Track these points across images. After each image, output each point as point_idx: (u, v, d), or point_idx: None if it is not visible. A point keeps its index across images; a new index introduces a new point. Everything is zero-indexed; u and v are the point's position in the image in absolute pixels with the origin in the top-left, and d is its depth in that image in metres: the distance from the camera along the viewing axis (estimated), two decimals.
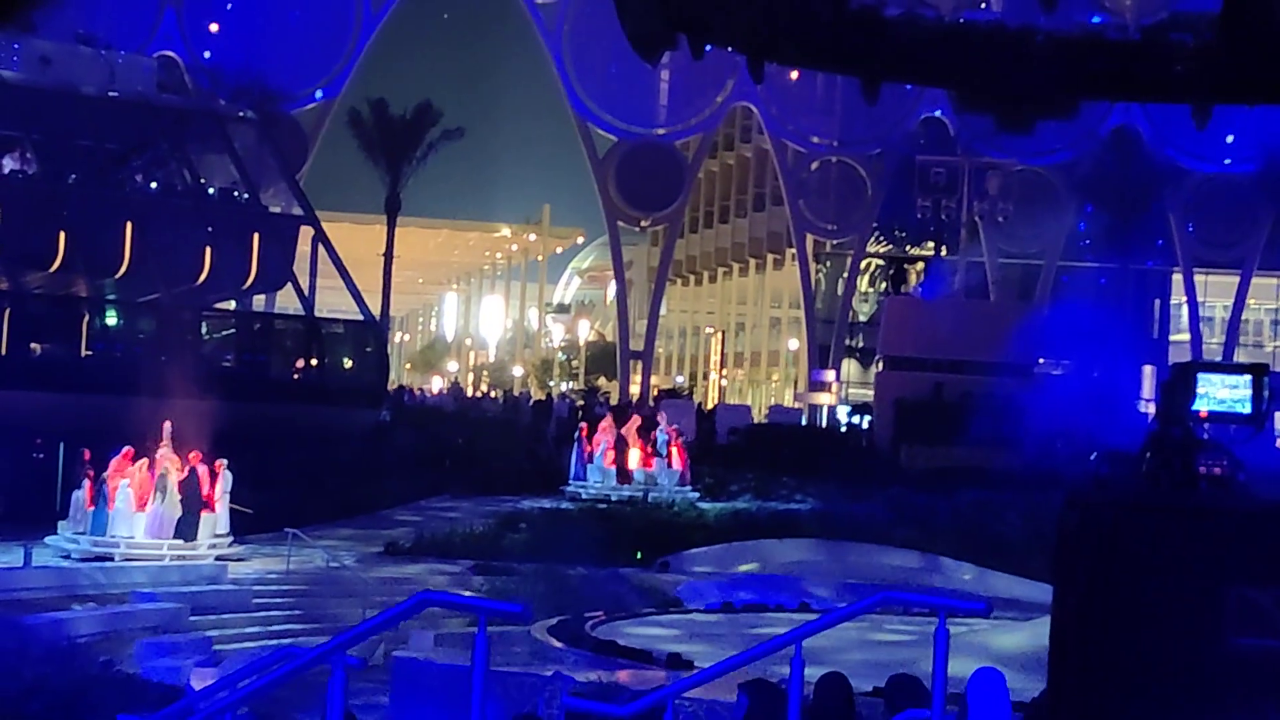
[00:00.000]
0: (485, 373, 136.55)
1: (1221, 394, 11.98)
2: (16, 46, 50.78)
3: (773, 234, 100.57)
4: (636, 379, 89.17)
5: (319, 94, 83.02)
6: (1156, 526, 11.53)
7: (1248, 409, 12.16)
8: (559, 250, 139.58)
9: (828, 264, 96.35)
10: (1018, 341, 63.97)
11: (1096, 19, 70.32)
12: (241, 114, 56.13)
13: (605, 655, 26.64)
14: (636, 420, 53.18)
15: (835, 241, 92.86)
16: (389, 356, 69.84)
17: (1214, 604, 11.39)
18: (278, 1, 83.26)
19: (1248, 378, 12.33)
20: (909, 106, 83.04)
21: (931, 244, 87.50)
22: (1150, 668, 11.45)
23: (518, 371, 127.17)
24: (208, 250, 50.73)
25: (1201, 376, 12.11)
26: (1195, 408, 11.92)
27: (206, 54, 74.10)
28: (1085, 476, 12.10)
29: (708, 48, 24.66)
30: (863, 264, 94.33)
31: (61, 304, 48.61)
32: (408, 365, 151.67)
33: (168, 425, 35.29)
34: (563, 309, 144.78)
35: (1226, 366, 12.94)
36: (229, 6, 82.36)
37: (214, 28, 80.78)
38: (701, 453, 55.88)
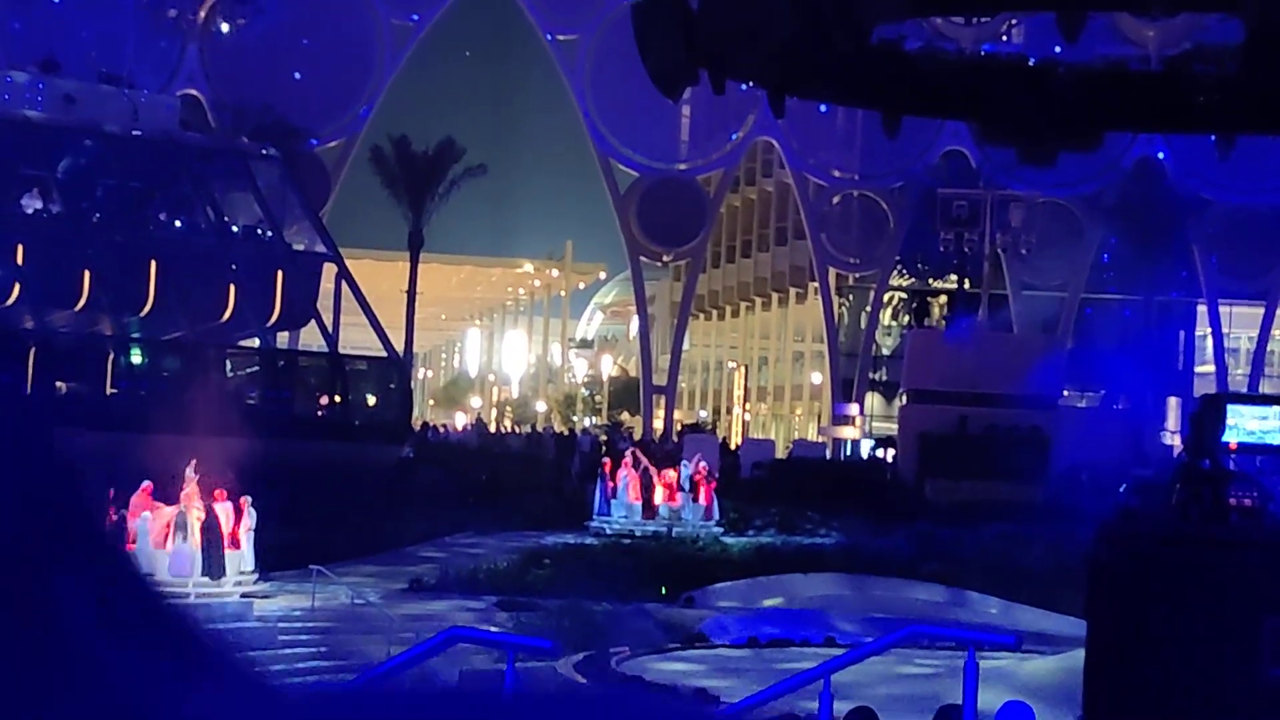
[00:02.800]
0: (509, 408, 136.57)
1: (1251, 425, 11.95)
2: (41, 86, 51.00)
3: (795, 268, 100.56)
4: (660, 414, 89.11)
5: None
6: (1191, 559, 11.49)
7: (1279, 440, 12.11)
8: (581, 286, 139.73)
9: (850, 297, 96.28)
10: (1042, 374, 63.85)
11: (1119, 51, 70.33)
12: (264, 152, 56.25)
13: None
14: (633, 456, 53.05)
15: (858, 275, 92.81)
16: (412, 393, 69.98)
17: (1250, 635, 11.34)
18: (300, 39, 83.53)
19: (1278, 409, 12.28)
20: (930, 139, 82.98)
21: (954, 277, 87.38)
22: (1186, 700, 11.39)
23: (541, 407, 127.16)
24: (232, 288, 50.82)
25: (1231, 408, 12.08)
26: (1225, 439, 11.88)
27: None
28: (1115, 508, 12.06)
29: (729, 83, 24.72)
30: (885, 297, 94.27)
31: (86, 342, 48.72)
32: (431, 401, 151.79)
33: (193, 464, 35.30)
34: (586, 344, 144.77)
35: (1256, 398, 12.96)
36: (251, 45, 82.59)
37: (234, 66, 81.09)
38: (725, 487, 55.79)
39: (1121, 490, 12.60)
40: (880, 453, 75.94)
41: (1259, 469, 12.63)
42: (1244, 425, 12.47)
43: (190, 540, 34.80)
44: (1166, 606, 11.70)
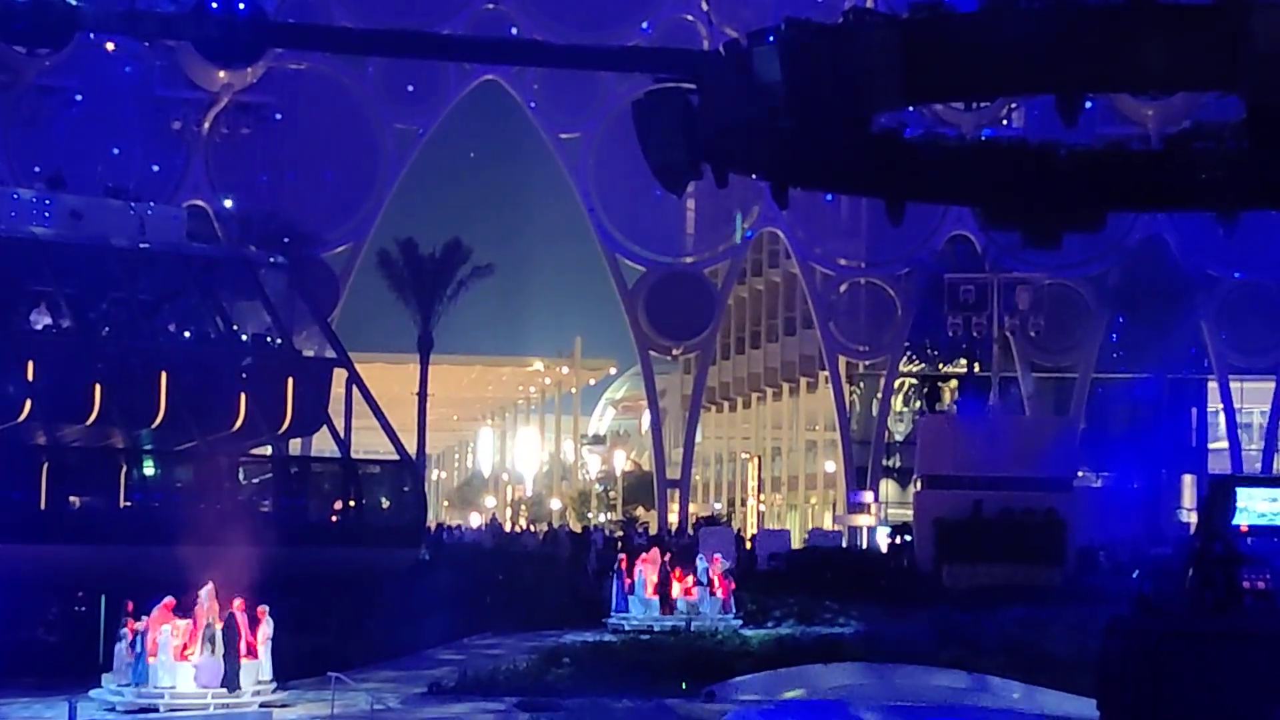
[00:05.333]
0: (523, 507, 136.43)
1: (1262, 507, 11.92)
2: (48, 202, 51.18)
3: (805, 357, 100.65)
4: (675, 507, 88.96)
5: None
6: (1200, 653, 11.41)
7: None
8: (592, 382, 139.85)
9: (861, 385, 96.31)
10: (1055, 455, 63.74)
11: (1119, 131, 70.61)
12: (272, 260, 56.38)
13: None
14: (654, 554, 52.95)
15: (868, 362, 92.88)
16: (426, 495, 69.80)
17: None
18: (304, 146, 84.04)
19: None
20: (935, 225, 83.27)
21: (964, 361, 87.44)
22: None
23: (555, 504, 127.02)
24: (242, 396, 50.77)
25: (1241, 491, 12.05)
26: (1235, 522, 11.84)
27: (229, 203, 74.36)
28: (1128, 594, 12.00)
29: (732, 175, 24.84)
30: (896, 384, 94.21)
31: (99, 456, 48.65)
32: (445, 502, 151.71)
33: (209, 586, 35.22)
34: (598, 440, 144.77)
35: (1265, 480, 12.94)
36: (256, 153, 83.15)
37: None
38: (743, 579, 55.63)
39: (1135, 576, 12.57)
40: (898, 540, 75.69)
41: (1277, 549, 12.58)
42: (1254, 508, 12.47)
43: (216, 653, 34.76)
44: (1178, 702, 11.64)
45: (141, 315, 52.01)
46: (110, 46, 76.53)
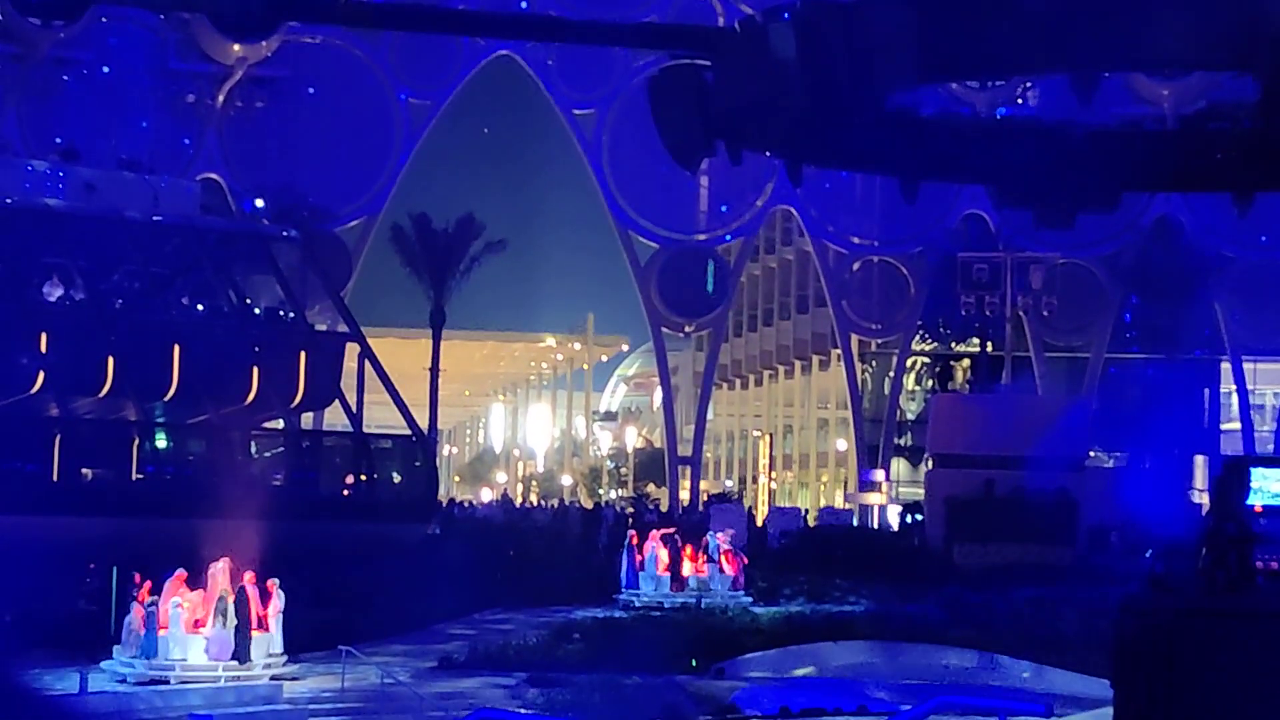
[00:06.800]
0: (534, 483, 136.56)
1: (1275, 488, 11.91)
2: (62, 174, 51.24)
3: (817, 335, 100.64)
4: (686, 484, 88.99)
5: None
6: (1215, 632, 11.38)
7: None
8: (604, 358, 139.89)
9: (873, 363, 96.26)
10: (1068, 435, 63.64)
11: (1134, 111, 70.42)
12: (285, 234, 56.42)
13: None
14: (661, 533, 52.97)
15: (880, 341, 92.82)
16: (438, 470, 69.89)
17: (1274, 706, 11.22)
18: (318, 120, 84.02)
19: None
20: (949, 203, 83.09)
21: (976, 340, 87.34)
22: None
23: (567, 481, 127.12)
24: (255, 370, 50.86)
25: (1255, 471, 12.05)
26: (1249, 502, 11.82)
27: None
28: (1141, 574, 11.99)
29: (746, 153, 24.76)
30: (909, 362, 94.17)
31: (111, 428, 48.77)
32: (457, 478, 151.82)
33: (224, 561, 35.27)
34: (610, 416, 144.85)
35: (1279, 461, 12.91)
36: (270, 127, 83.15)
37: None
38: (753, 556, 55.65)
39: (1148, 555, 12.58)
40: (909, 518, 75.67)
41: None
42: (1268, 488, 12.45)
43: (229, 626, 34.84)
44: (1194, 681, 11.62)
45: (155, 288, 52.16)
46: (103, 20, 76.40)
